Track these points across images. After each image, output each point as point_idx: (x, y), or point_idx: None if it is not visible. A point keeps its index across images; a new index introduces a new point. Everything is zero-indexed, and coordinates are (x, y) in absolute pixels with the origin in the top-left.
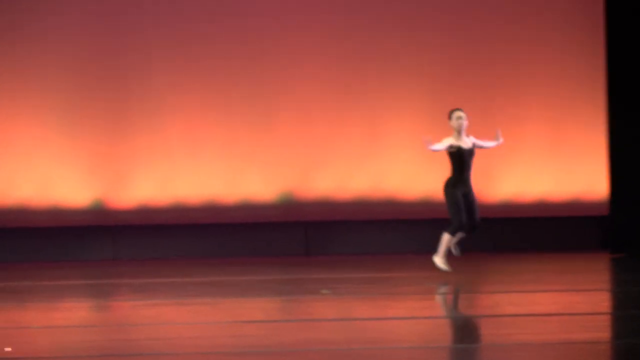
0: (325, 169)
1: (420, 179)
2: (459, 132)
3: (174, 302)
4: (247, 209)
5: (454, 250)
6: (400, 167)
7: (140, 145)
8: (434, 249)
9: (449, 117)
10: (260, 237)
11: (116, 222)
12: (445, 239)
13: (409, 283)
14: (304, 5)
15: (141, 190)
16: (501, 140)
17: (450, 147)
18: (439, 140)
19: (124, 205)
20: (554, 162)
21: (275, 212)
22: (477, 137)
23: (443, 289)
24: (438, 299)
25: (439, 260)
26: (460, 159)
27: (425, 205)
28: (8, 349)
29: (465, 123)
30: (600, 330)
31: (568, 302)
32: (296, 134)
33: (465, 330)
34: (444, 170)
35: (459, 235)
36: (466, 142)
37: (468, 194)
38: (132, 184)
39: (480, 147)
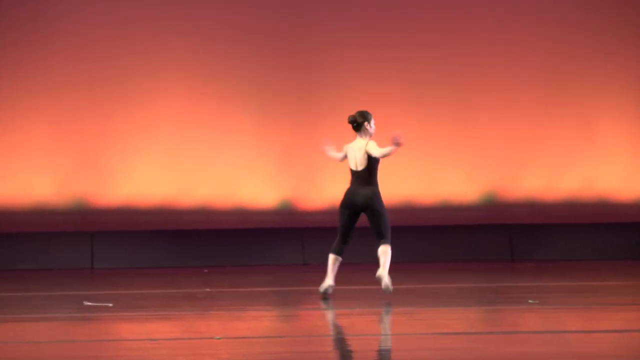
0: (532, 168)
1: (635, 180)
2: None
3: (366, 311)
4: (446, 210)
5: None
6: (614, 168)
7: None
8: None
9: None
10: (460, 240)
11: (305, 224)
12: (329, 260)
13: (623, 292)
14: (508, 3)
15: (330, 190)
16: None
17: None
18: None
19: (313, 205)
20: None
21: (478, 213)
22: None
23: None
24: None
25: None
26: None
27: None
28: None
29: None
30: None
31: None
32: (499, 132)
33: None
34: None
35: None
36: None
37: (363, 207)
38: (322, 183)
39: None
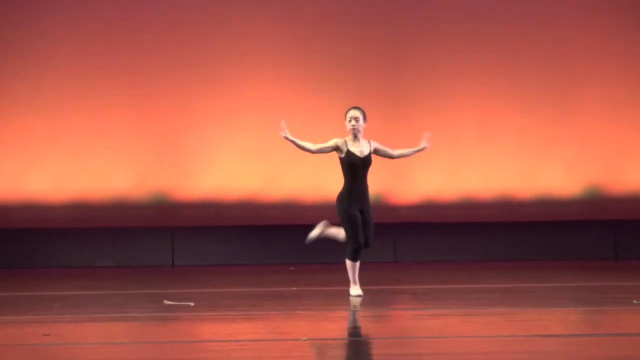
0: (637, 161)
1: None
2: (354, 136)
3: (461, 312)
4: (546, 205)
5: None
6: None
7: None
8: None
9: (345, 117)
10: (561, 237)
11: (397, 220)
12: (348, 266)
13: None
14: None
15: (423, 184)
16: (425, 145)
17: (337, 149)
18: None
19: (405, 200)
20: None
21: (579, 209)
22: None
23: None
24: None
25: (353, 290)
26: (351, 168)
27: None
28: None
29: (360, 125)
30: None
31: None
32: (603, 125)
33: None
34: None
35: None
36: (361, 149)
37: (364, 211)
38: (414, 176)
39: (388, 156)
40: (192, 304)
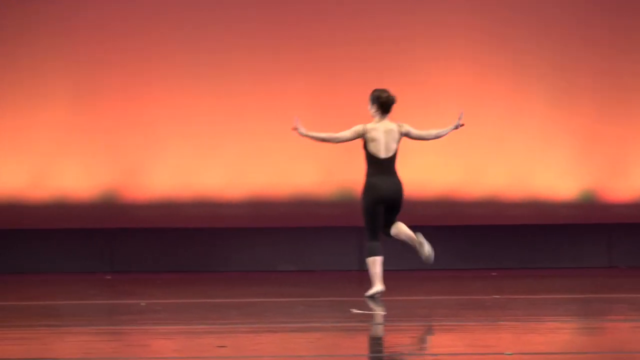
0: None
1: None
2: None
3: None
4: None
5: None
6: None
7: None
8: None
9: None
10: None
11: (612, 220)
12: (369, 263)
13: None
14: None
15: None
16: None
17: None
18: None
19: (620, 197)
20: None
21: None
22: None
23: None
24: None
25: (372, 291)
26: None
27: None
28: None
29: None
30: None
31: None
32: None
33: None
34: None
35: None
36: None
37: (394, 200)
38: (631, 171)
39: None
40: (383, 312)
